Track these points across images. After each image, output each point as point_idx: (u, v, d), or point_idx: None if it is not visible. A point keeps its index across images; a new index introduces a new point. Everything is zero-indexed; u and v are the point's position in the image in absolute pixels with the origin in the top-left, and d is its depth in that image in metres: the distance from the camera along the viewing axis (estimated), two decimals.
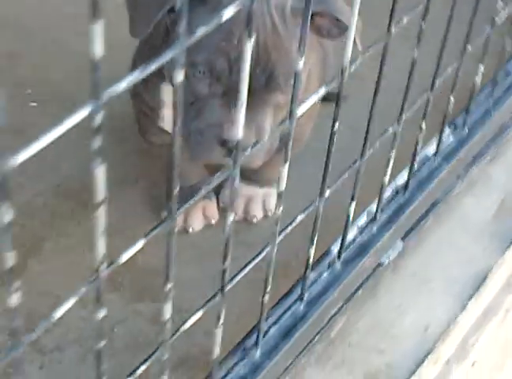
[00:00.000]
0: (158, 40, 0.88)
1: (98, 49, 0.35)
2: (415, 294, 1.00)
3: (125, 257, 0.47)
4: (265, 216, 1.11)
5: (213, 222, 1.10)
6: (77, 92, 1.01)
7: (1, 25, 1.34)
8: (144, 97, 0.97)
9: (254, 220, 1.11)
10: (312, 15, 0.64)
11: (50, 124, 0.35)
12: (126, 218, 1.06)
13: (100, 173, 0.39)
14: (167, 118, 0.96)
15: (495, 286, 1.09)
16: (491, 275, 1.06)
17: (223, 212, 1.11)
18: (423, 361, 0.92)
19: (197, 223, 1.09)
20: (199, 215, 1.10)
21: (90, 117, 0.37)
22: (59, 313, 0.44)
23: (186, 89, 0.83)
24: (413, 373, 0.91)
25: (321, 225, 0.73)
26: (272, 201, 1.10)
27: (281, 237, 0.65)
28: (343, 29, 0.85)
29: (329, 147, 0.67)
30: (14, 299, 0.39)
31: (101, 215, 0.41)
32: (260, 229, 1.10)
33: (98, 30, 0.34)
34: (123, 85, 0.38)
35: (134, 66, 0.99)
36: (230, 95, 0.85)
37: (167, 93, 0.93)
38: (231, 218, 0.55)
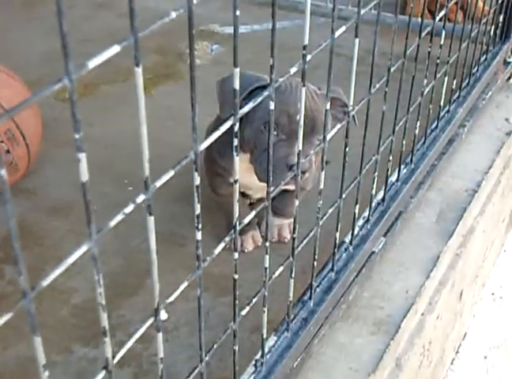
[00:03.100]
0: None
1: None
2: (396, 272, 1.54)
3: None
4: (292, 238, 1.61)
5: (259, 244, 1.63)
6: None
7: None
8: (219, 162, 1.48)
9: (285, 240, 1.64)
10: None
11: None
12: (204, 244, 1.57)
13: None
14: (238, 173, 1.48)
15: (445, 263, 1.65)
16: (441, 257, 1.60)
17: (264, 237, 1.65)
18: (407, 313, 1.45)
19: (249, 245, 1.62)
20: (250, 240, 1.62)
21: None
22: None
23: (263, 140, 1.31)
24: (402, 321, 1.43)
25: (332, 228, 1.25)
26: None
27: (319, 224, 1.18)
28: (346, 115, 1.37)
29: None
30: None
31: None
32: (289, 245, 1.61)
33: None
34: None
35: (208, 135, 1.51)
36: (290, 138, 1.32)
37: (240, 158, 1.42)
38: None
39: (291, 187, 1.31)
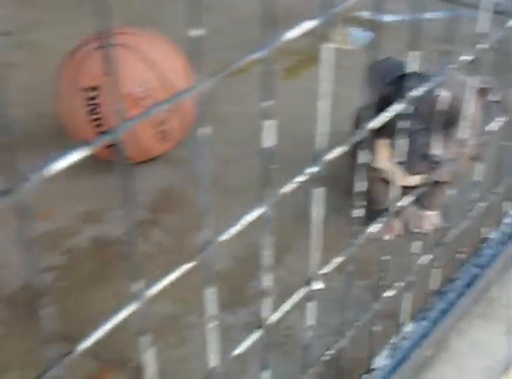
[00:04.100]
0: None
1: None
2: None
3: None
4: (440, 228, 1.56)
5: (399, 232, 1.63)
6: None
7: None
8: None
9: (425, 232, 1.63)
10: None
11: None
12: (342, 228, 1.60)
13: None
14: (380, 159, 1.50)
15: None
16: None
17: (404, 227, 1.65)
18: None
19: (390, 234, 1.62)
20: (391, 229, 1.63)
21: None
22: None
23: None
24: None
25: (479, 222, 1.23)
26: (436, 219, 1.62)
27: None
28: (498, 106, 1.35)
29: None
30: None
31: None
32: (431, 236, 1.59)
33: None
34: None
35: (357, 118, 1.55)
36: (431, 128, 1.32)
37: (382, 143, 1.46)
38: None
39: (433, 177, 1.31)
